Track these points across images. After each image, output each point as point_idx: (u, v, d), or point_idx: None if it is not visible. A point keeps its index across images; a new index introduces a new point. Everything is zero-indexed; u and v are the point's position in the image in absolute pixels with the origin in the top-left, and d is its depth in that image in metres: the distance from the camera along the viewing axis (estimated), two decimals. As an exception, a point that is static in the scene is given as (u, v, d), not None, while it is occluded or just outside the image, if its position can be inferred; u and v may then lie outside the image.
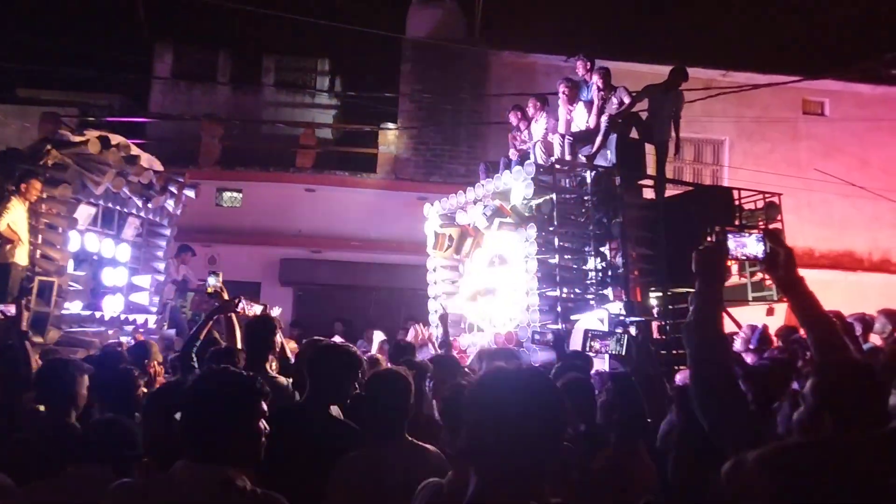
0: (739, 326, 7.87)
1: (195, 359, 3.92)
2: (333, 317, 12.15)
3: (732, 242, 1.97)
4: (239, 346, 4.17)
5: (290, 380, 3.70)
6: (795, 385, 3.70)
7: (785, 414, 3.46)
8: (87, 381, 3.25)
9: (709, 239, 1.97)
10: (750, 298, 8.50)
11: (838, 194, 12.92)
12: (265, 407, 1.91)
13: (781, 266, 1.99)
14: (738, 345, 5.99)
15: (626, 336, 3.93)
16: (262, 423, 1.90)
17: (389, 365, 4.12)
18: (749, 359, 5.50)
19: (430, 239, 9.10)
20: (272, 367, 3.90)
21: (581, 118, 8.40)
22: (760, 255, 1.99)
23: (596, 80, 8.28)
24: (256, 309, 4.53)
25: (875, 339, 5.97)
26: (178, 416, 1.98)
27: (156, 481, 1.86)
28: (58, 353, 5.16)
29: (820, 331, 1.98)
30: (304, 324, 11.66)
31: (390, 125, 13.19)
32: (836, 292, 11.69)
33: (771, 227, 8.80)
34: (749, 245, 1.99)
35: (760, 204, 8.93)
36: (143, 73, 14.29)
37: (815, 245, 13.45)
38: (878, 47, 11.97)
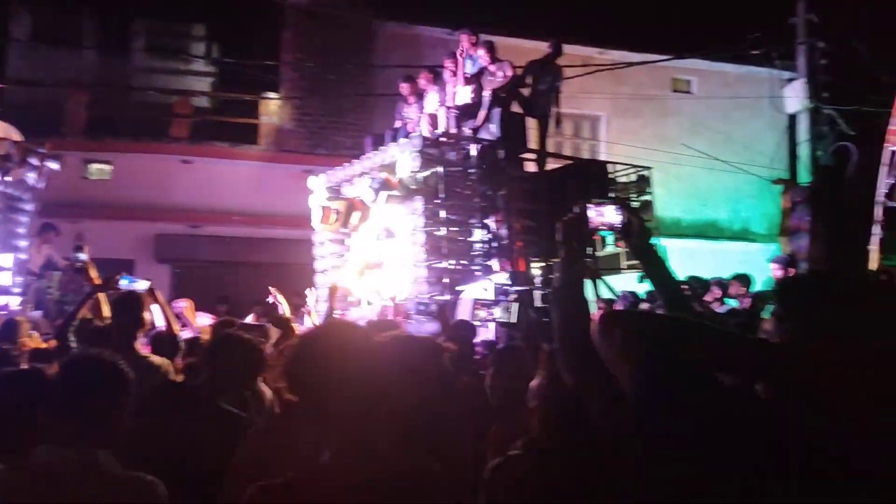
0: (614, 292, 8.32)
1: (71, 339, 3.74)
2: (215, 295, 11.75)
3: (593, 213, 2.08)
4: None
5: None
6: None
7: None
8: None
9: (573, 210, 2.07)
10: (624, 266, 9.00)
11: (704, 168, 13.80)
12: (130, 390, 1.86)
13: (635, 234, 2.13)
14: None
15: (516, 304, 4.05)
16: (127, 406, 1.85)
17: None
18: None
19: (315, 212, 8.97)
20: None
21: (465, 92, 8.50)
22: (618, 224, 2.12)
23: (482, 53, 8.39)
24: (142, 285, 4.35)
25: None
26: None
27: (15, 468, 1.76)
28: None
29: (669, 291, 2.16)
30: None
31: (272, 95, 12.78)
32: (701, 259, 12.62)
33: (642, 198, 9.32)
34: (608, 215, 2.12)
35: (633, 177, 9.40)
36: (-2, 34, 13.09)
37: (681, 216, 14.35)
38: (741, 29, 12.81)
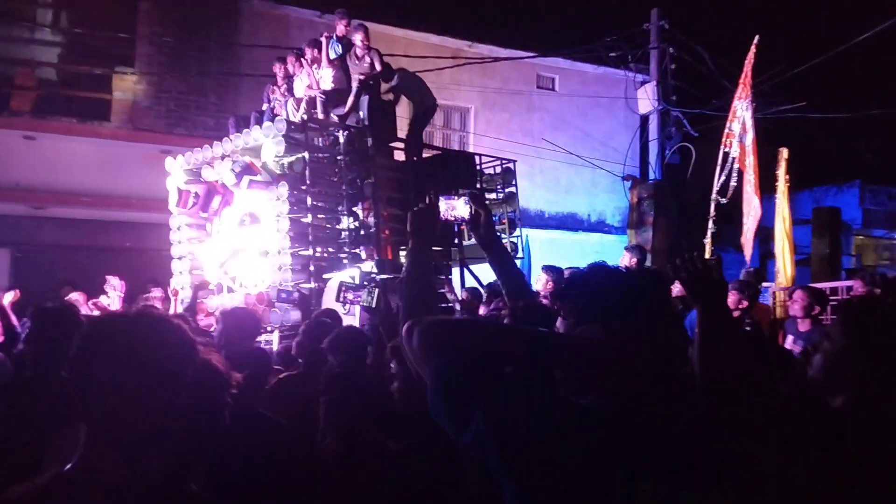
0: (480, 282, 8.58)
1: None
2: (61, 281, 10.95)
3: (443, 205, 2.16)
4: None
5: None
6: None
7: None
8: None
9: (423, 201, 2.14)
10: (465, 227, 9.27)
11: (565, 162, 14.46)
12: None
13: (483, 226, 2.24)
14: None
15: (376, 289, 4.08)
16: None
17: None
18: (482, 311, 6.04)
19: (172, 195, 8.56)
20: None
21: (328, 76, 8.41)
22: (467, 216, 2.21)
23: (360, 37, 8.29)
24: None
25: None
26: None
27: None
28: None
29: (511, 279, 2.31)
30: (26, 289, 10.36)
31: (127, 69, 12.01)
32: (561, 249, 13.26)
33: (507, 190, 9.65)
34: (458, 207, 2.21)
35: (499, 169, 9.70)
36: None
37: (544, 207, 14.98)
38: (602, 32, 13.51)
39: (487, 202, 9.42)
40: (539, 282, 6.70)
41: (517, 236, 9.31)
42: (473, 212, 2.22)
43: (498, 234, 2.28)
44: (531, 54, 13.89)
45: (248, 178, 7.61)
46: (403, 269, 1.96)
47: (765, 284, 7.79)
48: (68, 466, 1.26)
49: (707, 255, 7.40)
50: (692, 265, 1.84)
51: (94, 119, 11.73)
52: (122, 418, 1.24)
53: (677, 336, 1.78)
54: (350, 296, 4.04)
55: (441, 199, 2.15)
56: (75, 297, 7.00)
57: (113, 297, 7.59)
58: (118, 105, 11.87)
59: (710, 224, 7.90)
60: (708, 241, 7.89)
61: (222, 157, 8.01)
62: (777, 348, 4.41)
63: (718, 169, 8.11)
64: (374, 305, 3.56)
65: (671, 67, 13.45)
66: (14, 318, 4.29)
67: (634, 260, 7.09)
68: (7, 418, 2.38)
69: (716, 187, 8.07)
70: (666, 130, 13.47)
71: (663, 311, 1.56)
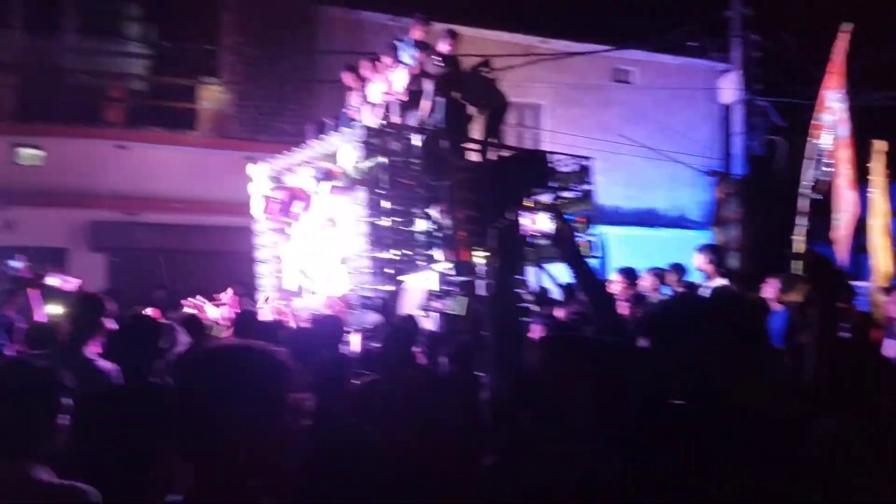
0: (555, 281, 8.49)
1: (2, 336, 3.63)
2: (153, 284, 11.49)
3: (526, 220, 2.15)
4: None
5: None
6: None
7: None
8: None
9: (505, 216, 2.13)
10: (548, 242, 9.15)
11: (643, 157, 14.12)
12: (65, 400, 1.83)
13: (565, 241, 2.21)
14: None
15: (465, 298, 4.08)
16: (64, 417, 1.82)
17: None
18: (560, 313, 5.98)
19: (256, 201, 8.85)
20: None
21: (404, 80, 8.47)
22: (550, 231, 2.19)
23: (447, 43, 8.31)
24: (71, 283, 4.25)
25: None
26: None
27: None
28: None
29: (597, 297, 2.26)
30: (121, 293, 10.91)
31: (211, 79, 12.48)
32: (639, 246, 12.96)
33: (583, 188, 9.49)
34: (540, 223, 2.19)
35: (575, 167, 9.55)
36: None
37: (621, 203, 14.67)
38: (679, 21, 13.12)
39: (562, 201, 9.40)
40: (614, 284, 6.57)
41: (594, 235, 9.15)
42: (557, 227, 2.20)
43: (581, 250, 2.25)
44: (607, 47, 13.62)
45: (327, 184, 7.78)
46: (489, 289, 1.96)
47: (860, 283, 7.39)
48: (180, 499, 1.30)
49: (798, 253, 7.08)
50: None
51: (182, 128, 12.27)
52: (233, 451, 1.26)
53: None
54: (438, 304, 4.07)
55: (523, 214, 2.14)
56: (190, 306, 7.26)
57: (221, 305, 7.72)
58: (204, 114, 12.37)
59: (802, 220, 7.53)
60: (798, 237, 7.53)
61: (303, 163, 8.23)
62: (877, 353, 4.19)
63: (809, 162, 7.73)
64: (462, 314, 3.55)
65: (755, 55, 12.93)
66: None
67: (709, 262, 6.78)
68: (106, 427, 2.50)
69: (806, 182, 7.69)
70: (751, 121, 12.96)
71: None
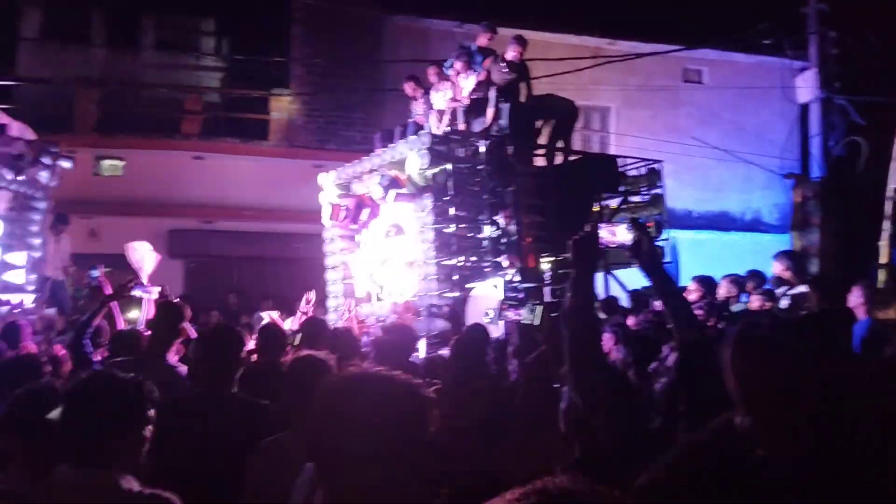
0: (625, 288, 8.34)
1: (88, 346, 3.79)
2: (227, 289, 11.85)
3: (604, 232, 2.11)
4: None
5: None
6: (666, 350, 3.99)
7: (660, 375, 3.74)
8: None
9: (584, 228, 2.10)
10: (627, 254, 8.97)
11: (714, 159, 13.72)
12: (151, 412, 1.90)
13: (645, 253, 2.16)
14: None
15: (538, 306, 4.04)
16: (149, 428, 1.89)
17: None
18: (630, 321, 5.86)
19: (325, 209, 9.01)
20: None
21: (471, 87, 8.47)
22: (629, 243, 2.15)
23: (515, 51, 8.28)
24: (154, 292, 4.42)
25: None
26: (52, 416, 1.93)
27: (37, 488, 1.82)
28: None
29: (680, 311, 2.18)
30: (197, 298, 11.29)
31: (282, 91, 12.81)
32: (711, 250, 12.61)
33: (653, 192, 9.30)
34: (619, 234, 2.15)
35: (644, 170, 9.37)
36: (8, 32, 13.14)
37: (693, 207, 14.29)
38: (752, 18, 12.69)
39: (632, 205, 9.23)
40: (689, 293, 6.37)
41: (664, 240, 8.94)
42: (637, 238, 2.15)
43: (663, 260, 2.19)
44: (676, 47, 13.29)
45: (394, 191, 7.86)
46: (565, 300, 1.94)
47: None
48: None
49: (883, 260, 6.74)
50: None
51: (254, 138, 12.63)
52: (366, 475, 1.26)
53: None
54: (510, 314, 4.05)
55: (602, 226, 2.11)
56: (269, 314, 7.43)
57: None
58: (275, 124, 12.71)
59: (888, 225, 7.17)
60: (883, 243, 7.18)
61: (370, 172, 8.34)
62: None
63: (894, 164, 7.36)
64: (536, 323, 3.52)
65: (833, 52, 12.40)
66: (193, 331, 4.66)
67: (788, 269, 6.49)
68: (188, 434, 2.58)
69: (892, 184, 7.32)
70: (829, 121, 12.43)
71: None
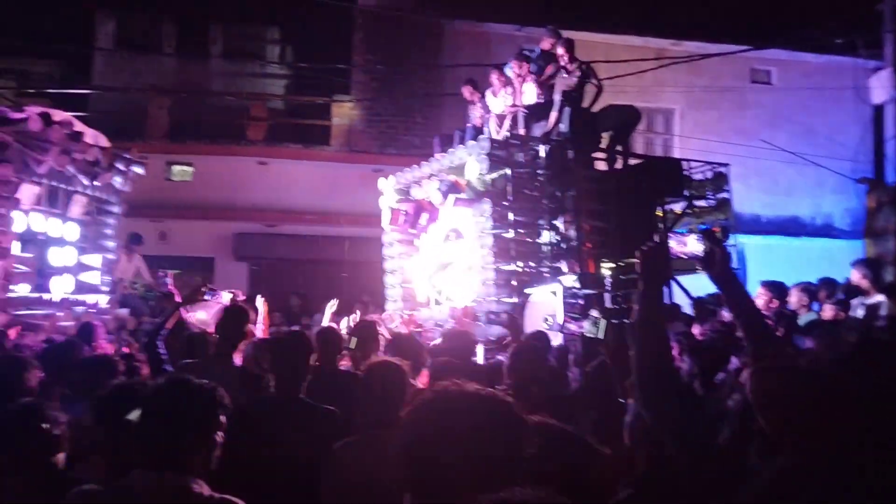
0: (690, 295, 8.12)
1: (161, 348, 3.92)
2: (289, 291, 12.09)
3: (674, 242, 2.06)
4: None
5: None
6: (735, 360, 3.86)
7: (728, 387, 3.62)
8: (37, 375, 3.22)
9: (653, 240, 2.04)
10: (698, 266, 8.74)
11: (783, 161, 13.27)
12: (223, 418, 1.94)
13: (717, 264, 2.09)
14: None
15: (602, 320, 3.98)
16: (220, 434, 1.93)
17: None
18: (696, 331, 5.70)
19: (385, 214, 9.09)
20: None
21: (532, 91, 8.41)
22: (700, 254, 2.08)
23: (562, 50, 8.23)
24: (225, 297, 4.54)
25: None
26: (131, 417, 1.99)
27: (114, 489, 1.88)
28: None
29: (753, 325, 2.10)
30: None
31: (344, 97, 13.02)
32: (779, 256, 12.20)
33: (720, 196, 9.05)
34: (690, 245, 2.09)
35: (710, 174, 9.12)
36: (84, 42, 13.76)
37: (761, 211, 13.85)
38: (824, 16, 12.23)
39: (697, 210, 9.00)
40: (757, 297, 6.15)
41: (731, 246, 8.68)
42: (708, 249, 2.08)
43: (735, 272, 2.11)
44: (744, 47, 12.91)
45: (453, 196, 7.86)
46: (633, 313, 1.89)
47: None
48: None
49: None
50: None
51: (317, 144, 12.88)
52: (459, 489, 1.25)
53: None
54: (573, 326, 4.00)
55: (671, 237, 2.05)
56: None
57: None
58: (336, 130, 12.92)
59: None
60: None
61: (429, 177, 8.37)
62: None
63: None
64: (600, 336, 3.45)
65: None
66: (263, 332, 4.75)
67: (865, 277, 6.19)
68: (259, 439, 2.62)
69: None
70: (907, 122, 11.87)
71: None
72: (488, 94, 8.90)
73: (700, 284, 8.10)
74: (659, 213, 8.50)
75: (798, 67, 14.21)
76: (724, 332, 4.85)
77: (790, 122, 13.97)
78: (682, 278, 8.40)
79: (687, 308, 7.70)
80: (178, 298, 4.52)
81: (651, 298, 1.88)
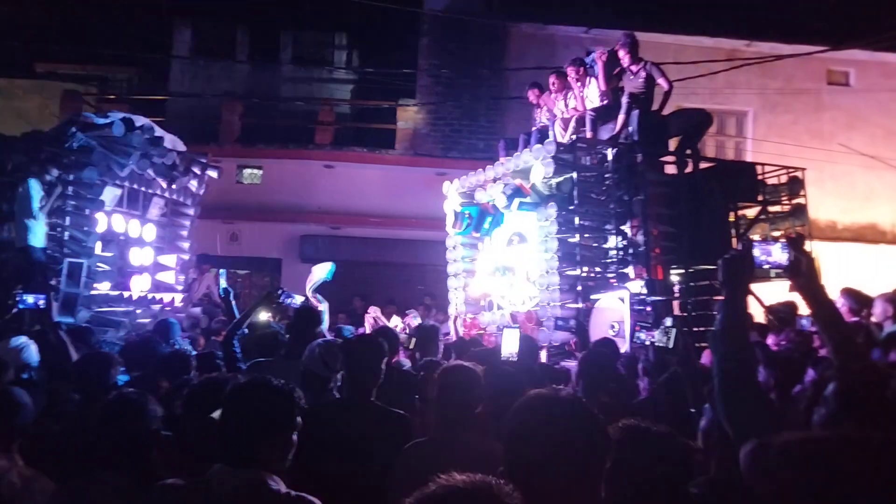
0: (763, 304, 7.85)
1: (237, 346, 4.05)
2: (353, 293, 12.27)
3: (758, 251, 1.99)
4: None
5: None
6: (811, 372, 3.72)
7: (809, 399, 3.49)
8: (119, 371, 3.37)
9: (735, 247, 1.99)
10: (773, 274, 8.45)
11: (862, 166, 12.74)
12: (299, 418, 1.99)
13: (804, 273, 2.02)
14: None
15: (674, 329, 3.92)
16: (296, 433, 1.98)
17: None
18: (770, 340, 5.52)
19: (449, 217, 9.12)
20: None
21: (596, 94, 8.30)
22: (784, 262, 2.01)
23: (624, 52, 8.10)
24: (297, 300, 4.65)
25: None
26: (215, 415, 2.05)
27: (195, 484, 1.94)
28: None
29: (839, 336, 2.02)
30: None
31: (409, 101, 13.14)
32: (857, 264, 11.67)
33: (795, 201, 8.74)
34: (774, 253, 2.02)
35: (784, 179, 8.83)
36: (162, 50, 14.31)
37: (837, 218, 13.32)
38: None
39: (771, 215, 8.71)
40: (838, 306, 5.87)
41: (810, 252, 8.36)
42: (793, 258, 2.02)
43: (823, 283, 2.04)
44: (821, 48, 12.45)
45: (517, 200, 7.83)
46: (716, 321, 1.85)
47: None
48: None
49: None
50: None
51: (381, 147, 13.03)
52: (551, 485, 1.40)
53: None
54: (643, 335, 3.94)
55: (755, 244, 2.00)
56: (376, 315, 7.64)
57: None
58: (401, 134, 13.06)
59: None
60: None
61: (494, 180, 8.36)
62: None
63: None
64: (670, 346, 3.39)
65: None
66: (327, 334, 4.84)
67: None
68: (332, 440, 2.67)
69: None
70: None
71: None
72: (551, 97, 8.83)
73: (774, 293, 7.87)
74: (731, 218, 8.29)
75: (878, 68, 13.62)
76: (801, 342, 4.69)
77: (869, 124, 13.41)
78: (755, 286, 8.18)
79: (760, 317, 7.47)
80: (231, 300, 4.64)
81: (735, 307, 1.83)
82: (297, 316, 3.90)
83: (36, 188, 6.92)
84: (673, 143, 8.52)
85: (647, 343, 3.94)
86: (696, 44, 12.67)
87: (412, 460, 2.48)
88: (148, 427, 2.31)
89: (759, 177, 8.53)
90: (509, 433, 1.50)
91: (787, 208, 8.69)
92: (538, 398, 1.53)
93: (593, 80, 8.36)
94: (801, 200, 8.60)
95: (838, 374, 1.94)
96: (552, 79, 8.81)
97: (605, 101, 8.27)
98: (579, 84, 8.45)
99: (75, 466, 2.55)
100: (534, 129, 9.09)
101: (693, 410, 3.21)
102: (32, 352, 4.13)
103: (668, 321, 3.91)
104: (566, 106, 8.63)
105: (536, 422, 1.46)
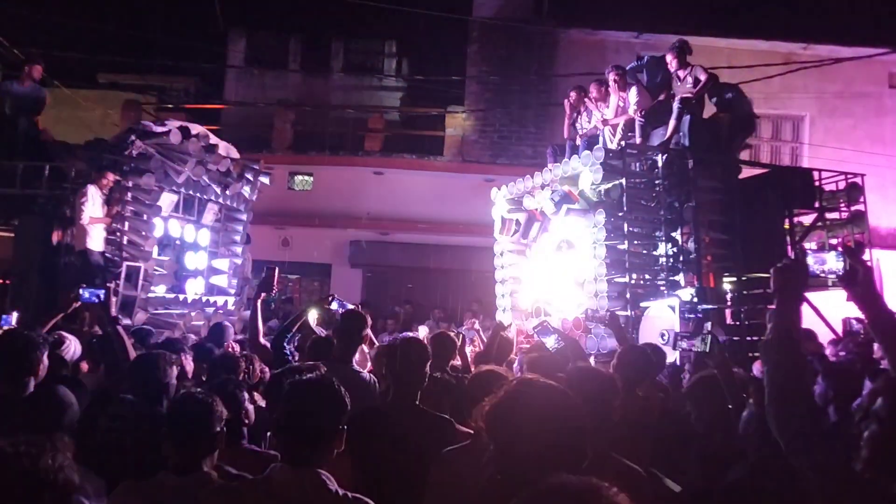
0: (819, 313, 7.63)
1: (287, 349, 4.12)
2: (401, 298, 12.36)
3: (812, 259, 1.95)
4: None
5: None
6: (869, 384, 3.59)
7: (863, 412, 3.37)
8: (176, 371, 3.45)
9: (788, 256, 1.96)
10: (830, 283, 8.20)
11: (926, 171, 12.25)
12: (347, 413, 2.02)
13: (860, 283, 1.96)
14: None
15: (710, 335, 3.88)
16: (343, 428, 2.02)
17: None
18: (827, 350, 5.36)
19: (497, 223, 9.11)
20: None
21: (646, 100, 8.18)
22: (840, 271, 1.96)
23: (671, 57, 8.00)
24: (349, 306, 4.71)
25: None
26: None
27: (255, 482, 1.99)
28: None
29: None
30: (373, 305, 11.89)
31: (457, 108, 13.19)
32: (922, 275, 11.21)
33: (854, 208, 8.47)
34: (829, 262, 1.97)
35: (842, 185, 8.58)
36: (218, 60, 14.71)
37: (900, 225, 12.83)
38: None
39: (829, 222, 8.45)
40: None
41: (867, 261, 8.09)
42: (848, 266, 1.97)
43: (881, 292, 1.98)
44: (882, 50, 12.04)
45: (566, 206, 7.78)
46: (768, 330, 1.81)
47: None
48: None
49: None
50: None
51: (430, 154, 13.11)
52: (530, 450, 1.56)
53: None
54: (684, 344, 3.89)
55: (809, 252, 1.95)
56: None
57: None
58: (449, 140, 13.12)
59: None
60: None
61: (542, 187, 8.32)
62: None
63: None
64: (706, 350, 3.35)
65: None
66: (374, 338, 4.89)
67: None
68: (377, 443, 2.71)
69: None
70: None
71: None
72: (598, 103, 8.74)
73: (831, 302, 7.62)
74: (787, 225, 8.08)
75: (944, 70, 13.10)
76: (860, 353, 4.54)
77: (935, 128, 12.89)
78: (811, 294, 7.94)
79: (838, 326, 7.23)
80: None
81: (787, 316, 1.79)
82: (343, 319, 3.95)
83: (95, 194, 7.20)
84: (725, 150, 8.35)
85: (689, 350, 3.90)
86: (751, 48, 12.39)
87: (449, 464, 2.49)
88: (213, 428, 2.29)
89: (816, 183, 8.30)
90: (490, 416, 1.68)
91: (845, 215, 8.43)
92: (522, 384, 1.71)
93: (634, 86, 8.26)
94: (860, 207, 8.34)
95: (885, 386, 1.87)
96: (594, 87, 8.71)
97: (657, 106, 8.16)
98: (620, 91, 8.33)
99: (128, 466, 2.62)
100: (581, 135, 8.98)
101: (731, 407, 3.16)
102: (74, 349, 4.28)
103: (707, 326, 3.86)
104: (610, 112, 8.51)
105: (516, 406, 1.64)
